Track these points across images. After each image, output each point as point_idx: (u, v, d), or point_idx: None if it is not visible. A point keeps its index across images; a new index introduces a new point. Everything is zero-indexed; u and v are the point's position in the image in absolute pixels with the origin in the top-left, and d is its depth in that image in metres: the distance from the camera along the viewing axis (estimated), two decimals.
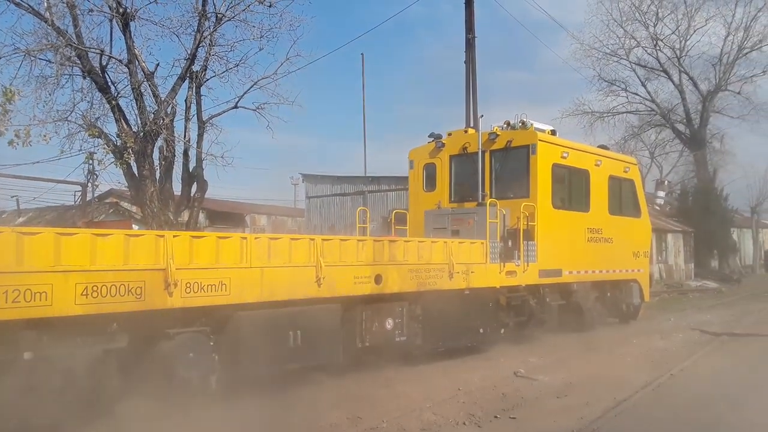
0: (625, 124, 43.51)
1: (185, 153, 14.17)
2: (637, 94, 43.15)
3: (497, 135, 13.40)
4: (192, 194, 14.35)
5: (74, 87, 13.50)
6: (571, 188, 13.97)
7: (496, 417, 7.44)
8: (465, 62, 20.25)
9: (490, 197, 13.32)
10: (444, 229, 12.88)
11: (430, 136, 14.76)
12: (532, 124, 13.56)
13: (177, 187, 14.33)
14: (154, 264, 6.67)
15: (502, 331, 11.89)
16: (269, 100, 14.67)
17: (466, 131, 14.13)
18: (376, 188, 25.91)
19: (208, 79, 14.19)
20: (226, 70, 14.20)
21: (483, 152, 13.40)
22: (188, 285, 6.93)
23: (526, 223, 12.21)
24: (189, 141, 13.97)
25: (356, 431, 6.98)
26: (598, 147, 15.80)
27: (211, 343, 7.55)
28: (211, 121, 14.35)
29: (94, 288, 6.16)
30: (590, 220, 14.26)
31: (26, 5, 12.34)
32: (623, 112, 43.89)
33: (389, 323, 9.60)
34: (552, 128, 14.47)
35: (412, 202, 15.00)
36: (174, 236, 6.92)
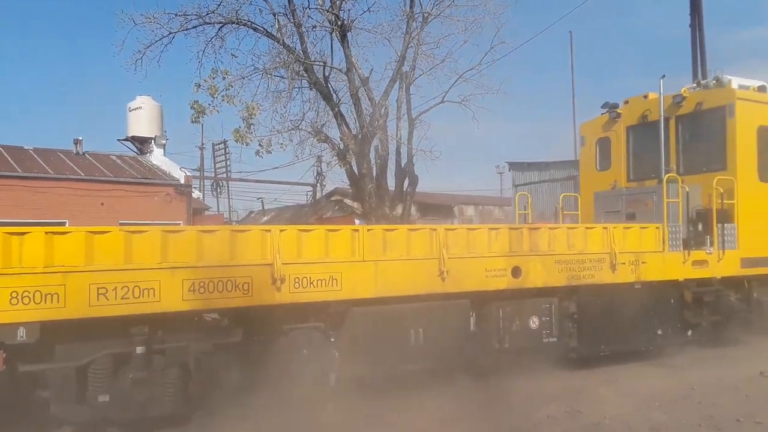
0: None
1: (397, 150, 15.03)
2: None
3: (684, 97, 11.18)
4: (404, 189, 15.10)
5: (303, 98, 15.07)
6: None
7: (738, 421, 6.72)
8: (690, 26, 18.19)
9: (678, 172, 11.23)
10: (617, 213, 11.12)
11: (603, 106, 12.92)
12: (730, 81, 11.06)
13: (391, 183, 15.25)
14: (261, 259, 6.64)
15: (689, 333, 9.89)
16: (474, 92, 14.87)
17: (645, 97, 12.01)
18: None
19: (416, 78, 14.85)
20: (433, 66, 14.71)
21: (666, 119, 11.28)
22: (296, 280, 6.79)
23: (720, 201, 9.98)
24: (400, 139, 14.74)
25: (575, 426, 6.67)
26: None
27: (332, 339, 7.37)
28: (419, 117, 15.02)
29: (201, 284, 6.30)
30: None
31: (262, 29, 14.10)
32: None
33: (534, 322, 8.51)
34: (761, 83, 11.68)
35: (583, 184, 13.32)
36: (281, 231, 6.82)
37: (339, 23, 13.77)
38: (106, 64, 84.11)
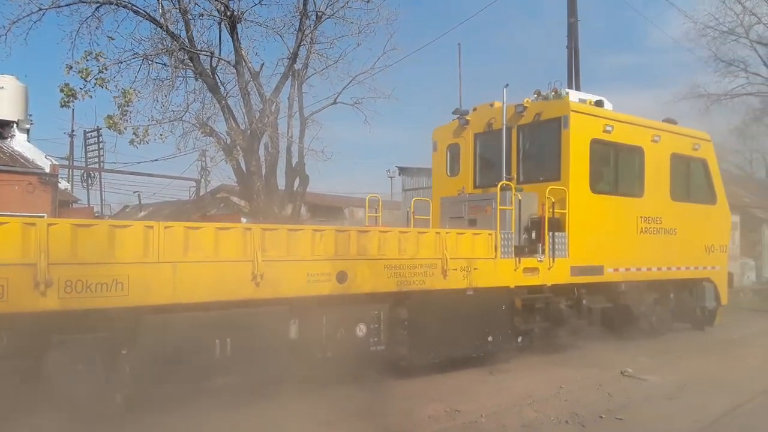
0: (746, 107, 38.72)
1: (288, 149, 14.72)
2: (758, 74, 38.03)
3: (525, 107, 11.40)
4: (295, 188, 14.79)
5: (187, 88, 14.43)
6: (618, 169, 11.68)
7: (600, 417, 7.13)
8: (567, 47, 18.95)
9: (518, 181, 11.41)
10: (461, 219, 11.09)
11: (454, 112, 12.96)
12: (567, 93, 11.44)
13: (281, 182, 14.94)
14: (21, 258, 5.59)
15: (519, 339, 9.97)
16: (366, 95, 15.03)
17: (492, 105, 12.17)
18: None
19: (309, 77, 14.70)
20: (326, 67, 14.70)
21: (509, 128, 11.46)
22: (68, 283, 5.81)
23: (552, 210, 10.18)
24: (291, 137, 14.47)
25: (454, 425, 6.86)
26: (664, 121, 13.26)
27: (123, 352, 6.43)
28: (312, 117, 14.85)
29: None
30: (645, 207, 11.91)
31: (144, 12, 13.18)
32: (743, 94, 39.01)
33: (361, 329, 8.07)
34: (599, 98, 12.23)
35: (435, 189, 13.28)
36: (49, 225, 5.80)
37: (228, 13, 13.27)
38: None
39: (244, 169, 14.06)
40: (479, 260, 9.15)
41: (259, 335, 7.05)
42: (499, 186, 9.86)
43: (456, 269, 8.82)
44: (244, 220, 14.45)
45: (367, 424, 6.65)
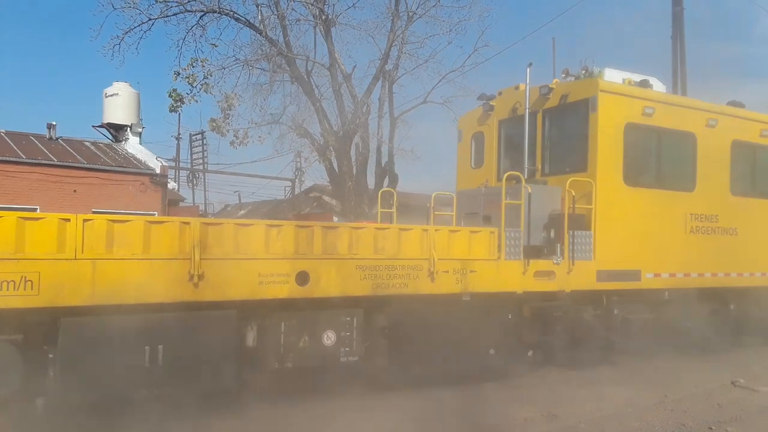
0: None
1: (378, 149, 15.31)
2: None
3: (551, 89, 10.02)
4: (384, 187, 15.09)
5: (284, 92, 15.24)
6: (662, 158, 10.05)
7: (710, 429, 6.71)
8: (671, 37, 17.82)
9: (543, 172, 10.10)
10: (476, 215, 9.92)
11: (479, 98, 11.75)
12: (601, 72, 9.94)
13: (371, 182, 15.49)
14: None
15: (530, 353, 8.70)
16: (456, 94, 15.14)
17: (517, 88, 10.83)
18: None
19: (399, 77, 15.16)
20: (416, 66, 15.02)
21: (533, 113, 10.13)
22: None
23: (572, 206, 8.81)
24: (382, 137, 15.05)
25: (551, 428, 6.69)
26: (728, 104, 11.38)
27: (51, 356, 5.91)
28: (401, 117, 15.35)
29: None
30: (696, 202, 10.22)
31: (244, 20, 14.10)
32: None
33: (329, 337, 7.16)
34: (645, 78, 10.62)
35: (459, 182, 12.12)
36: None
37: (323, 17, 13.75)
38: (84, 47, 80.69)
39: (336, 169, 14.48)
40: (477, 262, 7.98)
41: (197, 343, 6.30)
42: (504, 177, 8.61)
43: (447, 271, 7.71)
44: (335, 218, 14.56)
45: (461, 424, 6.59)
